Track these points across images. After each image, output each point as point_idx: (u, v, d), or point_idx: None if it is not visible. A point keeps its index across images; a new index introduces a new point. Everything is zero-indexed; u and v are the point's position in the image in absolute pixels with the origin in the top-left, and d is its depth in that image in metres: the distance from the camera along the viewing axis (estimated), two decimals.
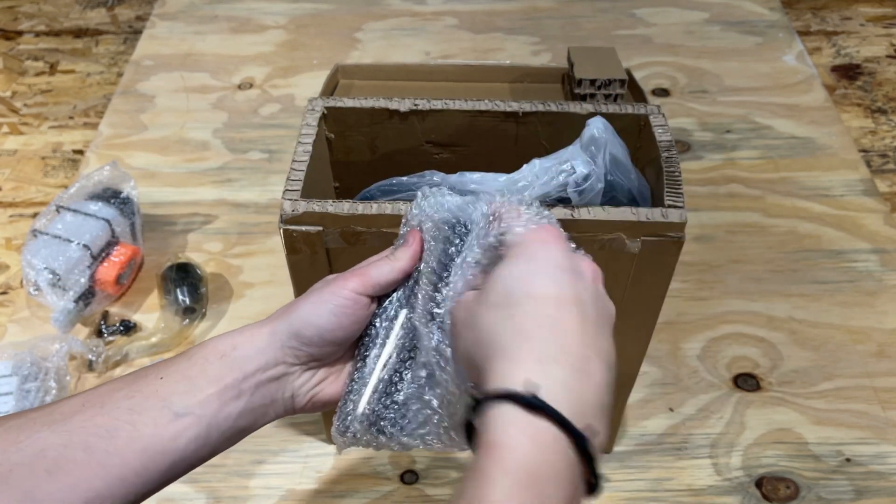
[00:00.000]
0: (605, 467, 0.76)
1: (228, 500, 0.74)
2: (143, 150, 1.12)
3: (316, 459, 0.77)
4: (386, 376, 0.46)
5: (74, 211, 0.90)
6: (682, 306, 0.91)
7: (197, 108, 1.19)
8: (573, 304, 0.37)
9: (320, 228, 0.55)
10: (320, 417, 0.79)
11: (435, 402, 0.44)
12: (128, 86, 1.23)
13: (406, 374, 0.46)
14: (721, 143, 1.12)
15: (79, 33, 1.38)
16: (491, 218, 0.43)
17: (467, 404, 0.37)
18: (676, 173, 0.56)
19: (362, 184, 0.63)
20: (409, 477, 0.76)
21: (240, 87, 1.23)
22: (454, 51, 1.29)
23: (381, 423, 0.46)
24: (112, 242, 0.90)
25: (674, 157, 0.58)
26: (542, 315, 0.36)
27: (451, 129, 0.65)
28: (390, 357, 0.47)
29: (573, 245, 0.42)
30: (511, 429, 0.33)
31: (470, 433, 0.36)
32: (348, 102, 0.64)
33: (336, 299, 0.45)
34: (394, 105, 0.63)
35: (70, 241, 0.87)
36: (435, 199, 0.48)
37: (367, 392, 0.46)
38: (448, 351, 0.43)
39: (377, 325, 0.47)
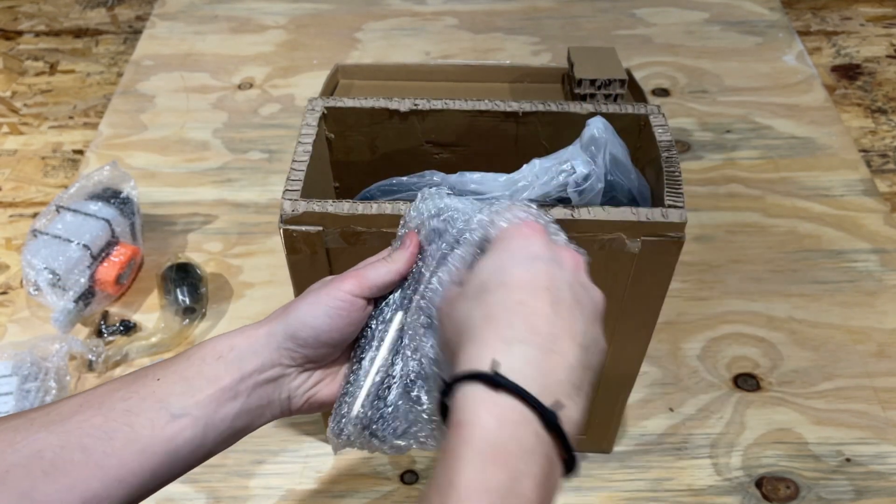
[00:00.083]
0: (605, 467, 0.76)
1: (228, 500, 0.74)
2: (143, 150, 1.12)
3: (316, 459, 0.77)
4: (379, 379, 0.46)
5: (74, 211, 0.90)
6: (682, 306, 0.91)
7: (197, 108, 1.19)
8: (545, 289, 0.38)
9: (320, 228, 0.55)
10: (320, 417, 0.79)
11: (424, 398, 0.44)
12: (128, 86, 1.23)
13: (399, 377, 0.46)
14: (721, 143, 1.12)
15: (79, 33, 1.38)
16: (482, 217, 0.44)
17: (441, 389, 0.37)
18: (676, 173, 0.56)
19: (362, 184, 0.63)
20: (410, 477, 0.76)
21: (240, 87, 1.23)
22: (454, 51, 1.29)
23: (374, 427, 0.46)
24: (112, 242, 0.90)
25: (674, 157, 0.58)
26: (512, 300, 0.37)
27: (451, 129, 0.65)
28: (385, 360, 0.47)
29: (564, 237, 0.43)
30: (477, 407, 0.34)
31: (445, 418, 0.37)
32: (348, 102, 0.64)
33: (332, 301, 0.45)
34: (394, 105, 0.63)
35: (70, 241, 0.87)
36: (433, 201, 0.48)
37: (361, 395, 0.46)
38: (434, 344, 0.43)
39: (373, 327, 0.47)
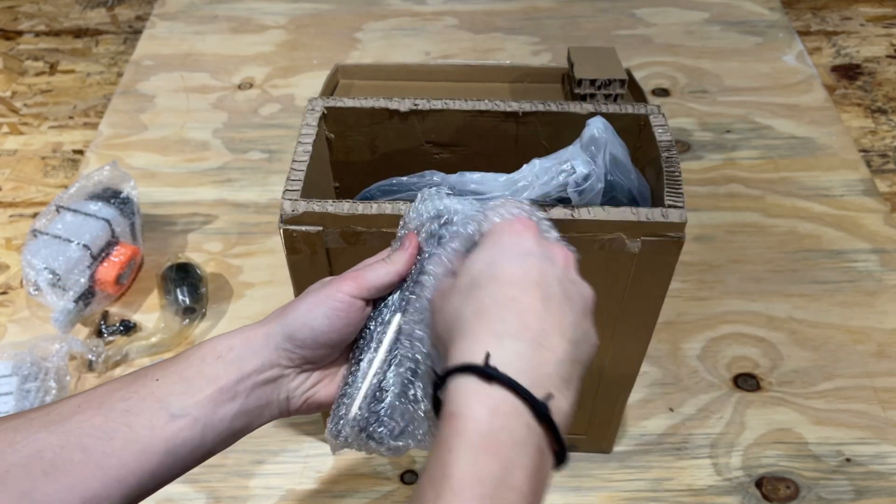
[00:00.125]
0: (605, 467, 0.76)
1: (228, 500, 0.74)
2: (143, 150, 1.12)
3: (316, 459, 0.77)
4: (377, 381, 0.46)
5: (74, 211, 0.90)
6: (682, 306, 0.91)
7: (197, 108, 1.19)
8: (535, 284, 0.38)
9: (320, 228, 0.55)
10: (320, 418, 0.79)
11: (420, 396, 0.44)
12: (128, 86, 1.23)
13: (394, 377, 0.46)
14: (721, 143, 1.12)
15: (79, 33, 1.38)
16: (476, 212, 0.45)
17: (433, 382, 0.38)
18: (676, 173, 0.56)
19: (362, 184, 0.63)
20: (410, 477, 0.76)
21: (240, 87, 1.23)
22: (454, 51, 1.29)
23: (371, 428, 0.46)
24: (112, 242, 0.90)
25: (674, 157, 0.58)
26: (503, 295, 0.38)
27: (451, 129, 0.65)
28: (383, 362, 0.47)
29: (556, 234, 0.44)
30: (470, 399, 0.35)
31: (438, 411, 0.37)
32: (348, 102, 0.64)
33: (330, 302, 0.45)
34: (394, 105, 0.63)
35: (70, 241, 0.87)
36: (432, 202, 0.48)
37: (359, 397, 0.46)
38: (427, 340, 0.44)
39: (372, 328, 0.47)
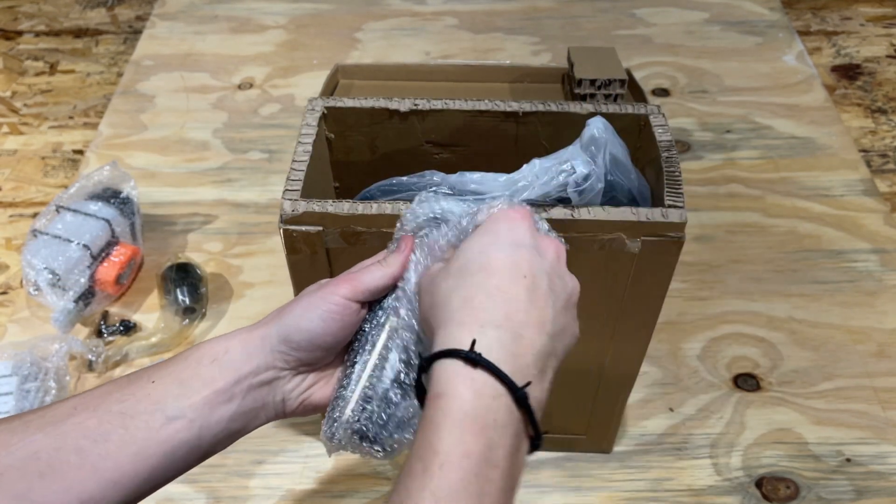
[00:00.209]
0: (605, 467, 0.76)
1: (228, 500, 0.74)
2: (143, 150, 1.12)
3: (316, 459, 0.77)
4: (371, 384, 0.46)
5: (74, 211, 0.90)
6: (682, 306, 0.90)
7: (197, 108, 1.19)
8: (524, 276, 0.40)
9: (320, 228, 0.55)
10: (320, 418, 0.79)
11: (412, 394, 0.45)
12: (128, 86, 1.23)
13: (388, 379, 0.46)
14: (721, 143, 1.12)
15: (79, 33, 1.38)
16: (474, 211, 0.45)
17: (419, 365, 0.39)
18: (676, 173, 0.56)
19: (362, 184, 0.63)
20: None
21: (240, 87, 1.23)
22: (454, 51, 1.29)
23: (365, 431, 0.46)
24: (112, 242, 0.90)
25: (674, 157, 0.58)
26: (492, 285, 0.39)
27: (451, 129, 0.65)
28: (377, 365, 0.46)
29: (546, 227, 0.45)
30: (454, 380, 0.36)
31: (421, 397, 0.39)
32: (348, 102, 0.64)
33: (326, 305, 0.45)
34: (394, 105, 0.63)
35: (70, 241, 0.87)
36: (429, 204, 0.48)
37: (353, 399, 0.46)
38: (416, 325, 0.44)
39: (366, 330, 0.47)
